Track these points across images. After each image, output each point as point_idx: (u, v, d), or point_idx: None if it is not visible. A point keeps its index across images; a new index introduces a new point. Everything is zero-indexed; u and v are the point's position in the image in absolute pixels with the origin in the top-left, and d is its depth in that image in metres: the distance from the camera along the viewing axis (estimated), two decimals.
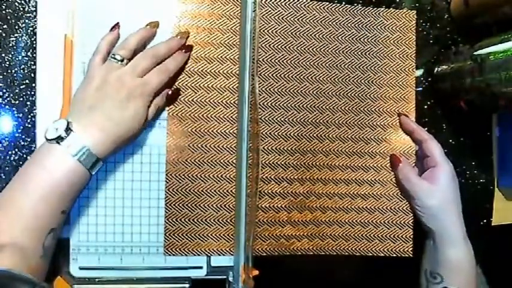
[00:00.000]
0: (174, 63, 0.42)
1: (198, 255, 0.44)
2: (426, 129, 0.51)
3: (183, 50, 0.42)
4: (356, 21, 0.48)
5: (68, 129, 0.35)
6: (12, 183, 0.35)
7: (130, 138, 0.39)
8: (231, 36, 0.45)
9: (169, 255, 0.43)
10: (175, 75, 0.43)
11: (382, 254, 0.47)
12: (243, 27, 0.44)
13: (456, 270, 0.43)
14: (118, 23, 0.41)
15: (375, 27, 0.48)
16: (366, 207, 0.47)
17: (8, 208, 0.34)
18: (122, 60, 0.38)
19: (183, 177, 0.44)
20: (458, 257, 0.43)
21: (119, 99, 0.37)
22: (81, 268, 0.42)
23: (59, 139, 0.35)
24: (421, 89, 0.52)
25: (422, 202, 0.44)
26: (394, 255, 0.48)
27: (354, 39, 0.48)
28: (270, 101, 0.46)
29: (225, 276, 0.44)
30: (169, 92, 0.42)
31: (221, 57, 0.44)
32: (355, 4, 0.48)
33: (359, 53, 0.48)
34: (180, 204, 0.44)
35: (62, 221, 0.36)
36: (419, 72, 0.52)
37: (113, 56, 0.39)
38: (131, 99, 0.38)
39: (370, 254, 0.47)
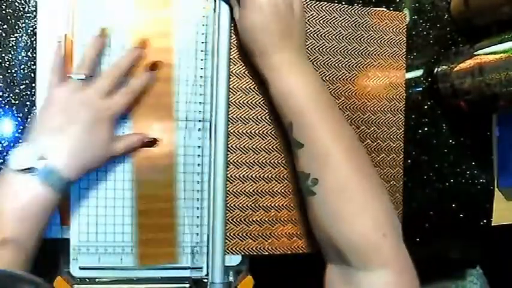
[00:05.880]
0: (140, 82, 0.41)
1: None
2: (426, 129, 0.52)
3: (150, 69, 0.42)
4: (353, 21, 0.48)
5: (40, 158, 0.34)
6: None
7: (100, 162, 0.38)
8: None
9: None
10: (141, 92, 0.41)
11: None
12: (217, 26, 0.44)
13: (283, 102, 0.39)
14: (66, 35, 0.40)
15: (370, 27, 0.49)
16: None
17: None
18: (83, 79, 0.38)
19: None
20: (286, 88, 0.39)
21: (86, 122, 0.37)
22: (81, 268, 0.42)
23: (32, 170, 0.34)
24: (421, 89, 0.52)
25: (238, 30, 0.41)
26: None
27: (350, 39, 0.48)
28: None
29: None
30: (145, 141, 0.42)
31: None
32: (355, 4, 0.49)
33: (355, 52, 0.48)
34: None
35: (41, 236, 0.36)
36: (419, 72, 0.52)
37: (73, 75, 0.38)
38: (98, 122, 0.37)
39: None
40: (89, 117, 0.37)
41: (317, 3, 0.47)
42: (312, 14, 0.47)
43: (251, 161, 0.45)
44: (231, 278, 0.44)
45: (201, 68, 0.44)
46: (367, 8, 0.49)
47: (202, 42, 0.44)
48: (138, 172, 0.42)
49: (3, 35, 0.42)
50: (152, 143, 0.42)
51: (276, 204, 0.46)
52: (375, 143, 0.49)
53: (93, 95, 0.38)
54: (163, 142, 0.43)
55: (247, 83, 0.45)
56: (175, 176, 0.43)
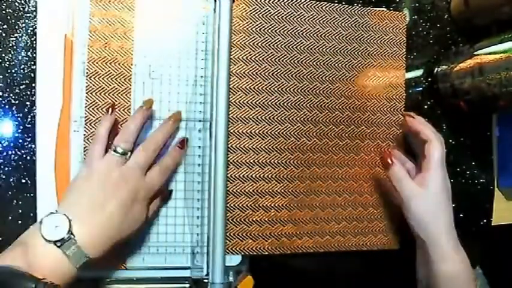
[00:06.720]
0: (172, 160, 0.42)
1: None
2: None
3: (179, 146, 0.43)
4: (353, 21, 0.48)
5: (70, 232, 0.33)
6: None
7: (126, 238, 0.38)
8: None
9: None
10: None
11: (376, 248, 0.48)
12: (217, 27, 0.44)
13: (451, 284, 0.41)
14: (113, 104, 0.41)
15: (370, 27, 0.49)
16: (362, 203, 0.48)
17: None
18: (124, 153, 0.38)
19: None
20: (451, 271, 0.41)
21: (123, 200, 0.36)
22: None
23: (58, 242, 0.33)
24: (421, 89, 0.52)
25: (409, 206, 0.42)
26: (386, 248, 0.49)
27: (351, 39, 0.48)
28: (271, 100, 0.46)
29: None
30: (164, 195, 0.43)
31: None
32: (354, 4, 0.49)
33: (355, 52, 0.48)
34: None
35: None
36: (419, 72, 0.52)
37: (114, 149, 0.37)
38: (135, 201, 0.37)
39: (365, 249, 0.48)
40: (127, 195, 0.37)
41: (317, 3, 0.47)
42: (312, 14, 0.47)
43: (251, 161, 0.45)
44: (231, 278, 0.44)
45: (202, 68, 0.44)
46: (367, 8, 0.49)
47: (203, 42, 0.44)
48: None
49: (3, 35, 0.42)
50: (169, 194, 0.43)
51: (276, 204, 0.46)
52: (375, 143, 0.49)
53: (130, 169, 0.37)
54: None
55: (247, 83, 0.45)
56: None
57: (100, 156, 0.37)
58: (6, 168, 0.41)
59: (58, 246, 0.33)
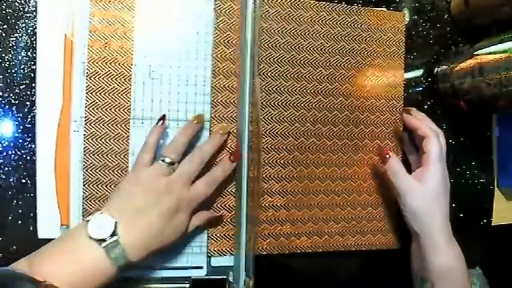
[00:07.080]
0: (222, 172, 0.42)
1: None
2: None
3: (231, 159, 0.42)
4: (352, 20, 0.48)
5: (115, 233, 0.34)
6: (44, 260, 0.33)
7: (166, 247, 0.38)
8: (231, 35, 0.45)
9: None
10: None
11: (375, 248, 0.49)
12: (243, 26, 0.44)
13: (444, 278, 0.42)
14: (164, 115, 0.42)
15: (369, 27, 0.49)
16: (360, 202, 0.48)
17: None
18: (171, 163, 0.39)
19: None
20: (445, 265, 0.42)
21: (165, 208, 0.37)
22: None
23: (102, 241, 0.34)
24: (421, 89, 0.52)
25: (406, 201, 0.43)
26: (385, 248, 0.49)
27: (349, 38, 0.48)
28: (269, 99, 0.46)
29: (225, 276, 0.44)
30: (209, 216, 0.42)
31: (220, 56, 0.45)
32: (354, 4, 0.49)
33: (354, 52, 0.48)
34: None
35: None
36: (419, 72, 0.52)
37: (162, 159, 0.39)
38: (178, 210, 0.38)
39: (364, 249, 0.48)
40: (171, 204, 0.37)
41: (316, 3, 0.47)
42: (311, 14, 0.47)
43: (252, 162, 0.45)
44: (230, 278, 0.44)
45: (202, 68, 0.44)
46: (366, 8, 0.49)
47: (206, 42, 0.44)
48: None
49: (3, 35, 0.42)
50: (217, 219, 0.44)
51: (274, 204, 0.46)
52: (374, 143, 0.49)
53: (176, 180, 0.38)
54: (118, 140, 0.42)
55: None
56: None
57: (148, 164, 0.39)
58: (6, 168, 0.42)
59: (101, 246, 0.33)
